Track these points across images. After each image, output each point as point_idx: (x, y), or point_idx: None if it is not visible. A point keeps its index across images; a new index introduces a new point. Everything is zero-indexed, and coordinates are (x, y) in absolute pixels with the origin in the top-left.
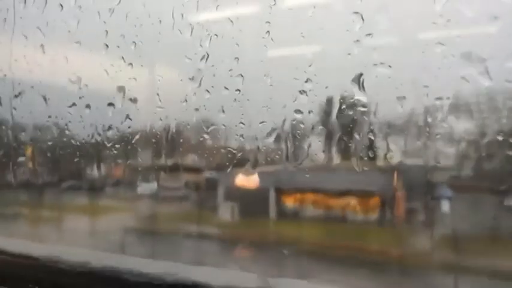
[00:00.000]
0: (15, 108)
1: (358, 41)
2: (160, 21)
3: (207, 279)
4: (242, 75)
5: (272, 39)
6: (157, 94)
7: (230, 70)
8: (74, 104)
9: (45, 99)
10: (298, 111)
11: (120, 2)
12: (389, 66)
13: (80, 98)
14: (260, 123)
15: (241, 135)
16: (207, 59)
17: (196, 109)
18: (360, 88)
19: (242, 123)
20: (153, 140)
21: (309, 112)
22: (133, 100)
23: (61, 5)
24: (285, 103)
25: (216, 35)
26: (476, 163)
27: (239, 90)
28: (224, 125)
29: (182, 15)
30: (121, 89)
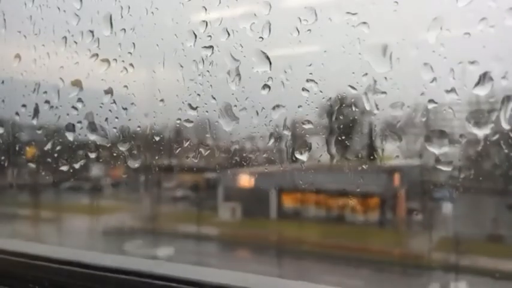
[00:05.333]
0: None
1: (358, 40)
2: (159, 20)
3: (207, 279)
4: (242, 75)
5: (272, 40)
6: (157, 95)
7: (229, 70)
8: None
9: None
10: (298, 111)
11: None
12: (389, 66)
13: (79, 99)
14: (260, 123)
15: (241, 135)
16: (206, 58)
17: (196, 108)
18: (360, 88)
19: (242, 123)
20: (153, 141)
21: (308, 113)
22: (133, 102)
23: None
24: (285, 103)
25: (216, 34)
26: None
27: (239, 90)
28: (224, 125)
29: (181, 15)
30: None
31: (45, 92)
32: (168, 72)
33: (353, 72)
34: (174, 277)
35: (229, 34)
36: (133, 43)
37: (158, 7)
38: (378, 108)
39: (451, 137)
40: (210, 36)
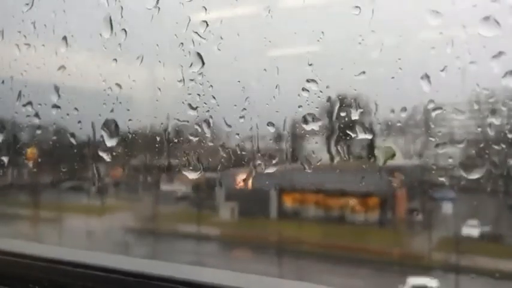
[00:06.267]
0: None
1: (358, 40)
2: (159, 20)
3: (206, 279)
4: (242, 75)
5: (272, 40)
6: (157, 94)
7: (230, 70)
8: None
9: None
10: (298, 111)
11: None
12: (389, 66)
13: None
14: (260, 123)
15: (241, 135)
16: (206, 58)
17: (196, 108)
18: (360, 88)
19: (242, 123)
20: (153, 141)
21: (310, 113)
22: (133, 101)
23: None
24: (285, 103)
25: (216, 34)
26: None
27: (240, 89)
28: (224, 125)
29: (181, 15)
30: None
31: (45, 93)
32: (168, 72)
33: (355, 75)
34: (173, 278)
35: (229, 34)
36: (133, 43)
37: (158, 7)
38: (377, 109)
39: (451, 136)
40: (210, 36)
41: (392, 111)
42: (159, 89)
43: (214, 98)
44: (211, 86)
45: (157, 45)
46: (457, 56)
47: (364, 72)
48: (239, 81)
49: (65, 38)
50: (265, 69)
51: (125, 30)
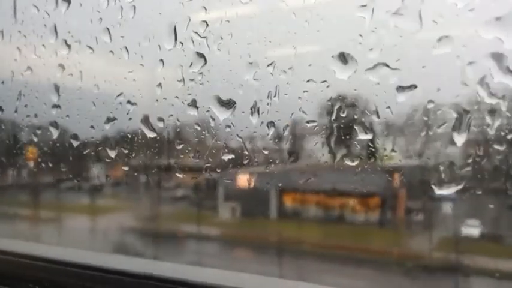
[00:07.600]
0: None
1: (358, 40)
2: (158, 21)
3: (206, 279)
4: (242, 75)
5: (272, 40)
6: (156, 94)
7: (230, 70)
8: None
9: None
10: (298, 111)
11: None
12: (389, 66)
13: (81, 99)
14: (260, 122)
15: (241, 135)
16: (206, 58)
17: (196, 107)
18: (360, 88)
19: (242, 123)
20: (152, 141)
21: (308, 113)
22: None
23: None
24: (285, 103)
25: (216, 34)
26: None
27: (239, 88)
28: (223, 125)
29: (181, 15)
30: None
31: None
32: (168, 72)
33: (355, 75)
34: (173, 278)
35: (229, 34)
36: (133, 43)
37: (158, 7)
38: (377, 110)
39: (451, 136)
40: (210, 36)
41: (392, 111)
42: (160, 87)
43: (214, 98)
44: (211, 86)
45: (158, 46)
46: (457, 56)
47: (364, 72)
48: (239, 81)
49: (64, 38)
50: (265, 70)
51: (125, 31)
